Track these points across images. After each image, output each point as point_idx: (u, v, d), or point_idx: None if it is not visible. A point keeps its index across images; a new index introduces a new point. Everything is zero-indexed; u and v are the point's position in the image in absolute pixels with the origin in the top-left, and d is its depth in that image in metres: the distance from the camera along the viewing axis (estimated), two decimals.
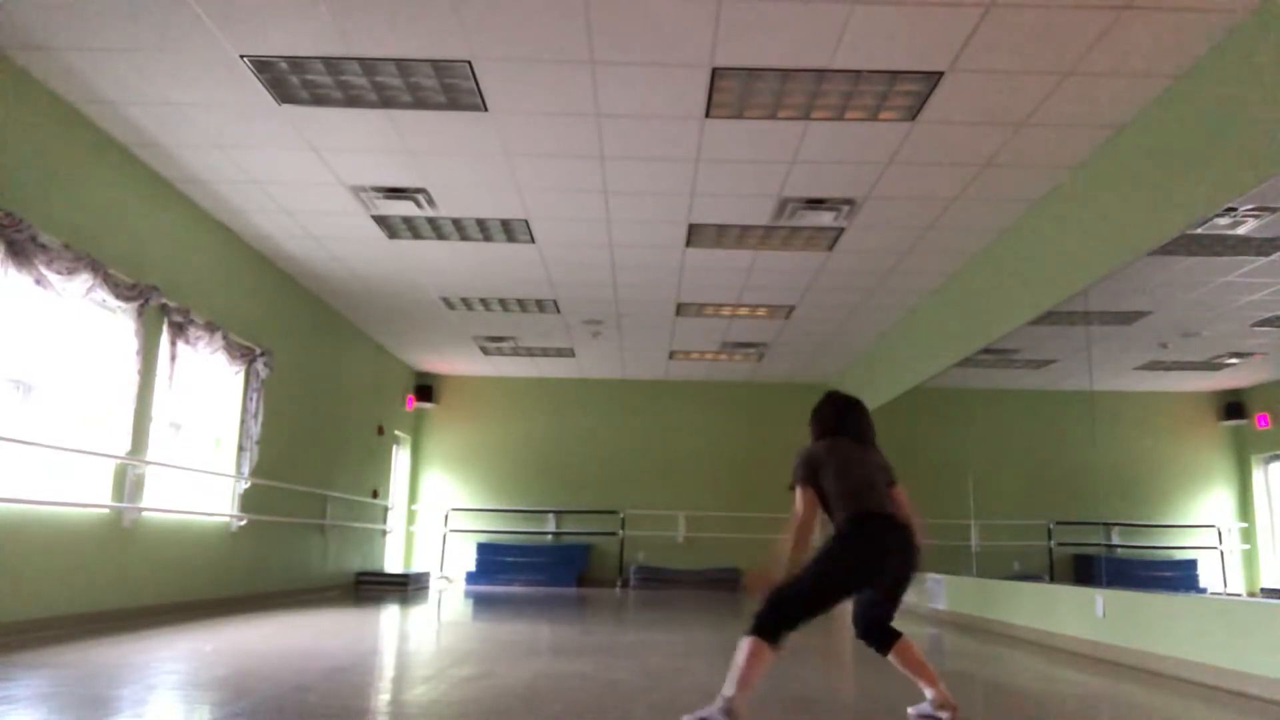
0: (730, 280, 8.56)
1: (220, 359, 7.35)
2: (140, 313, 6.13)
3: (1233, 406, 4.47)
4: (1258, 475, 4.28)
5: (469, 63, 4.85)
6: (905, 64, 4.73)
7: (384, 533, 12.21)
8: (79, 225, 5.60)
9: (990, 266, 7.28)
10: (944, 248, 7.45)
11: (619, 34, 4.55)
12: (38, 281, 5.15)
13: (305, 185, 6.57)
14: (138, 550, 6.27)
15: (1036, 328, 6.36)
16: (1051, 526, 6.23)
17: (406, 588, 10.84)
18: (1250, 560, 4.28)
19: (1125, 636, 5.15)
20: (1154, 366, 5.10)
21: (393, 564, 12.77)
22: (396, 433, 12.71)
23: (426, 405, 13.56)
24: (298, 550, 9.18)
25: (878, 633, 3.26)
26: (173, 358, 6.61)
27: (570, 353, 11.94)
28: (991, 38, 4.47)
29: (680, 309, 9.65)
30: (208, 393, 7.54)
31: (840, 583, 3.07)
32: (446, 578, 13.19)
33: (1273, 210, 4.08)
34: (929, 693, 3.20)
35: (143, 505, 6.25)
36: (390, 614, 7.49)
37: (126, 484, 6.08)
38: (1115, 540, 5.39)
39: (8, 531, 5.04)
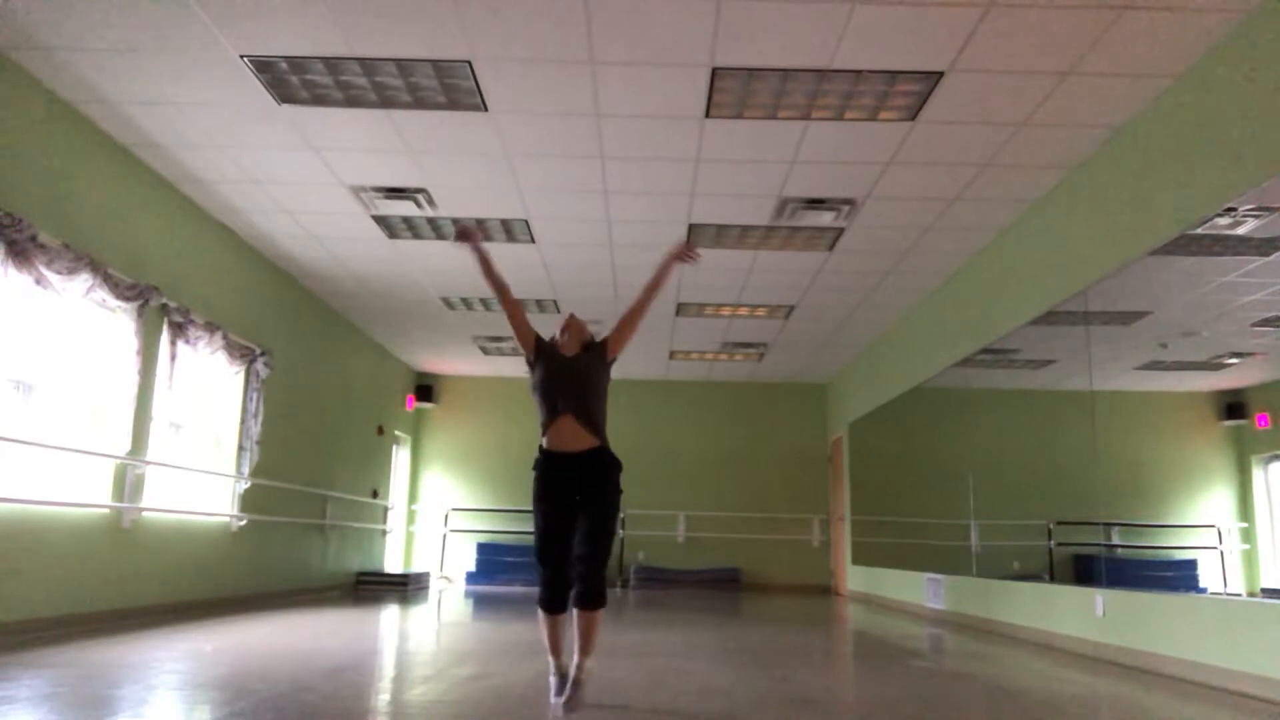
0: (730, 280, 8.56)
1: (220, 359, 7.35)
2: (140, 313, 6.13)
3: (1233, 406, 4.47)
4: (1258, 475, 4.28)
5: (469, 63, 4.85)
6: (905, 64, 4.73)
7: (384, 533, 12.21)
8: (79, 225, 5.60)
9: (990, 266, 7.28)
10: (944, 248, 7.46)
11: (619, 34, 4.55)
12: (38, 281, 5.15)
13: (305, 185, 6.57)
14: (138, 550, 6.27)
15: (1036, 328, 6.36)
16: (1051, 526, 6.23)
17: (406, 588, 10.84)
18: (1250, 560, 4.28)
19: (1125, 636, 5.15)
20: (1154, 366, 5.10)
21: (393, 564, 12.77)
22: (396, 433, 12.71)
23: (426, 405, 13.56)
24: (298, 550, 9.18)
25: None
26: (173, 358, 6.61)
27: None
28: (991, 38, 4.47)
29: (680, 309, 9.65)
30: (208, 393, 7.54)
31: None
32: (446, 578, 13.19)
33: (1273, 210, 4.08)
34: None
35: (143, 505, 6.25)
36: (390, 614, 7.49)
37: (126, 484, 6.08)
38: (1115, 540, 5.39)
39: (8, 531, 5.04)
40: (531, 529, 3.59)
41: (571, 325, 3.60)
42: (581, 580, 3.24)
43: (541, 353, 3.52)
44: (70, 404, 5.74)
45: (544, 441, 3.40)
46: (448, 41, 4.65)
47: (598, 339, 3.61)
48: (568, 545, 3.31)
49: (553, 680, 3.37)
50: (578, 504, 3.33)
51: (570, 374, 3.43)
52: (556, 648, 3.39)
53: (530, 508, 3.50)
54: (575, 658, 3.25)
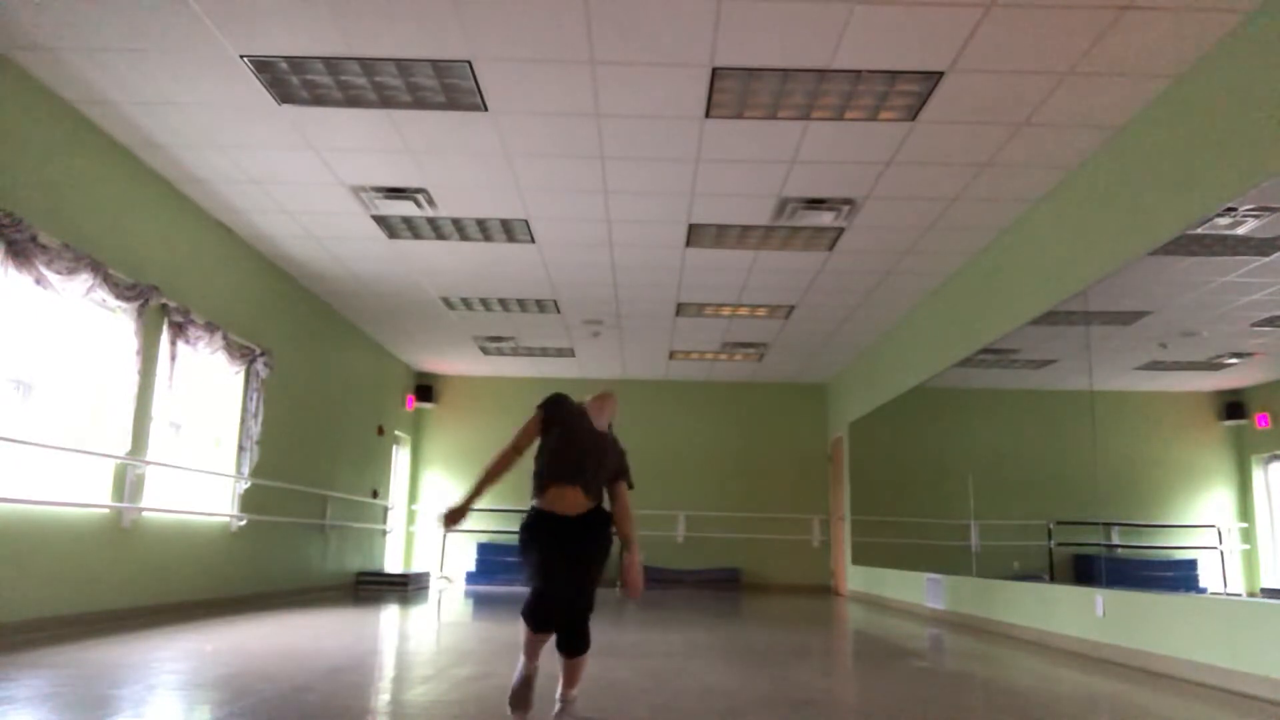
0: (730, 280, 8.56)
1: (220, 359, 7.35)
2: (140, 313, 6.13)
3: (1233, 406, 4.47)
4: (1258, 475, 4.28)
5: (469, 63, 4.85)
6: (905, 64, 4.73)
7: (384, 533, 12.21)
8: (79, 225, 5.60)
9: (990, 266, 7.28)
10: (944, 248, 7.45)
11: (619, 34, 4.55)
12: (38, 281, 5.15)
13: (305, 185, 6.57)
14: (138, 550, 6.27)
15: (1036, 328, 6.35)
16: (1051, 526, 6.23)
17: (406, 588, 10.84)
18: (1250, 560, 4.28)
19: (1125, 636, 5.15)
20: (1154, 366, 5.09)
21: (393, 564, 12.77)
22: (396, 433, 12.71)
23: (426, 405, 13.56)
24: (298, 550, 9.18)
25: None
26: (173, 358, 6.61)
27: (570, 353, 11.94)
28: (991, 38, 4.47)
29: (680, 309, 9.65)
30: (208, 393, 7.54)
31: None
32: (446, 578, 13.19)
33: (1273, 210, 4.08)
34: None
35: (143, 505, 6.25)
36: (390, 614, 7.49)
37: (126, 484, 6.08)
38: (1115, 540, 5.39)
39: (8, 531, 5.04)
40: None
41: (610, 404, 3.35)
42: (568, 630, 3.08)
43: (558, 418, 3.24)
44: (70, 404, 5.74)
45: (539, 501, 3.18)
46: (448, 41, 4.65)
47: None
48: (565, 576, 3.12)
49: (517, 678, 3.20)
50: (569, 550, 3.15)
51: (594, 450, 3.21)
52: (533, 653, 3.20)
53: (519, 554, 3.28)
54: (560, 688, 3.13)
